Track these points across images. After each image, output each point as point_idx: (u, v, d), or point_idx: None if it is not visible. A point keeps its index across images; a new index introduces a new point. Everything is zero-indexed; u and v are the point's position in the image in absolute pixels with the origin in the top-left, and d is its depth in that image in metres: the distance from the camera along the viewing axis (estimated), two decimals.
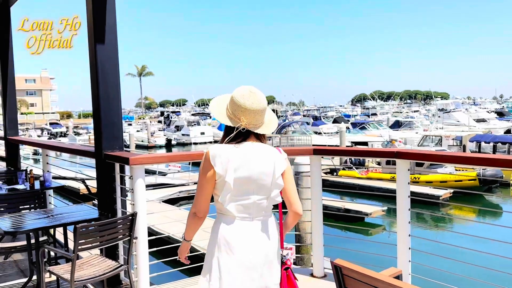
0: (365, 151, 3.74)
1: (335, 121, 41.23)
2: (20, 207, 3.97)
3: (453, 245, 3.47)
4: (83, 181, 14.87)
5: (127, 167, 3.73)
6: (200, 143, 39.56)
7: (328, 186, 17.37)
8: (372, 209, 13.19)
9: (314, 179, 3.80)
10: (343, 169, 19.44)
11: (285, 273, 2.15)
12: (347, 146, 23.33)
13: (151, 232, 8.04)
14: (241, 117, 2.02)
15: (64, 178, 15.95)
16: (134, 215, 3.12)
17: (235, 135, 2.04)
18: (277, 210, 2.25)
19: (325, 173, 19.55)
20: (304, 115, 55.40)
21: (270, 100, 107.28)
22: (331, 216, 14.20)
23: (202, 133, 39.97)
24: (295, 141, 21.08)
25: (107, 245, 3.07)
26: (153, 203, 11.31)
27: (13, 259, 4.39)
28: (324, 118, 47.43)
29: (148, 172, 17.76)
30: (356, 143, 25.36)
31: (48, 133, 49.62)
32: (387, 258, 3.53)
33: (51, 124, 56.04)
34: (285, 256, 2.19)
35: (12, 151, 7.02)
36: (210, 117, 56.72)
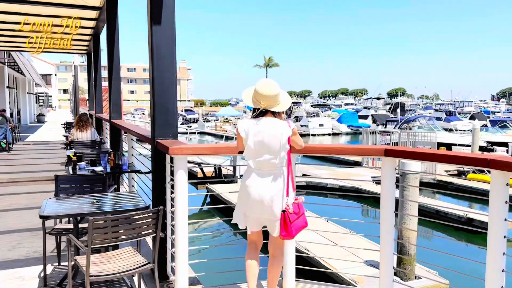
0: (450, 156, 2.90)
1: (472, 117, 36.83)
2: (85, 189, 4.04)
3: None
4: (199, 164, 15.59)
5: None
6: (318, 135, 38.49)
7: (453, 190, 15.56)
8: None
9: (385, 186, 3.07)
10: (473, 172, 17.05)
11: (282, 214, 2.79)
12: (480, 146, 20.49)
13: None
14: (260, 100, 2.83)
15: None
16: (159, 210, 2.84)
17: (257, 113, 2.88)
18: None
19: (452, 175, 17.44)
20: (436, 110, 50.77)
21: (400, 93, 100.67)
22: (450, 226, 12.59)
23: (321, 125, 38.94)
24: (418, 137, 18.98)
25: (132, 240, 2.85)
26: None
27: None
28: (459, 114, 42.82)
29: None
30: (493, 144, 22.10)
31: (182, 119, 53.71)
32: None
33: (185, 111, 60.55)
34: (286, 203, 2.81)
35: (114, 133, 7.47)
36: (330, 109, 55.39)
